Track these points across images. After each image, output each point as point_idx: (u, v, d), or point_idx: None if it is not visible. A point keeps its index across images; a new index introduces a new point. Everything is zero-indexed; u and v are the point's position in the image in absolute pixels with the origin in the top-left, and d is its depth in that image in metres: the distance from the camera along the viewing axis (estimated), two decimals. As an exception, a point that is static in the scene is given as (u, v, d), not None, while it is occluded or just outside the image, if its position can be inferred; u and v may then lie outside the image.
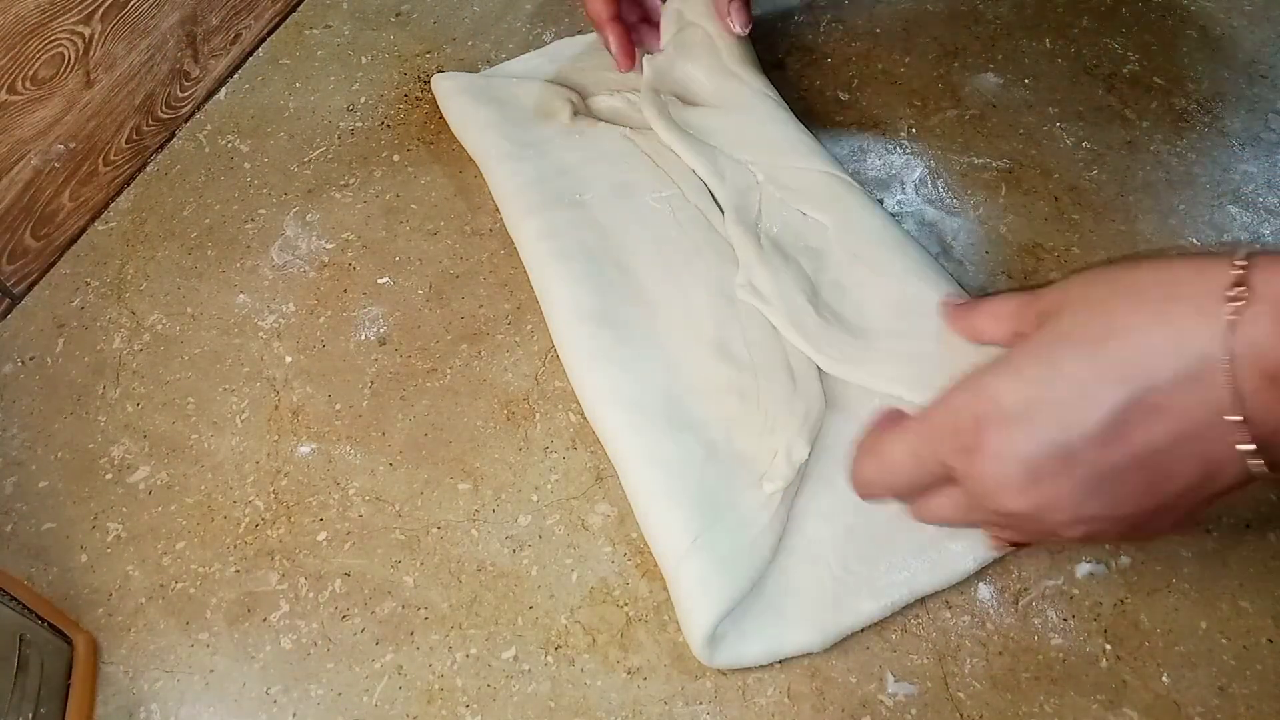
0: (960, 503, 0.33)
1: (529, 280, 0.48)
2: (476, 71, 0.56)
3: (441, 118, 0.54)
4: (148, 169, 0.53)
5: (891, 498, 0.35)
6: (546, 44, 0.57)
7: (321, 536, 0.41)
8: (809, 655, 0.38)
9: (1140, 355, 0.28)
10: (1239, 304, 0.27)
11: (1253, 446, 0.27)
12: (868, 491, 0.35)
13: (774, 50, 0.55)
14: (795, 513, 0.39)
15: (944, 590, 0.38)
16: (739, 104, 0.50)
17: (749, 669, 0.37)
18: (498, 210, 0.50)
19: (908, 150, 0.52)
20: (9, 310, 0.49)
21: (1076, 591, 0.39)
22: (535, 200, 0.47)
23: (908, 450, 0.33)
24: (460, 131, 0.52)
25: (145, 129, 0.53)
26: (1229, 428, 0.27)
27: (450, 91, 0.53)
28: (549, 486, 0.42)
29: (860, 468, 0.35)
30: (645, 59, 0.52)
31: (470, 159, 0.52)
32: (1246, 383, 0.27)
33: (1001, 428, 0.30)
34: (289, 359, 0.46)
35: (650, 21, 0.54)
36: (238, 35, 0.57)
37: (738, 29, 0.51)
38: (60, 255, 0.50)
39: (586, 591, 0.40)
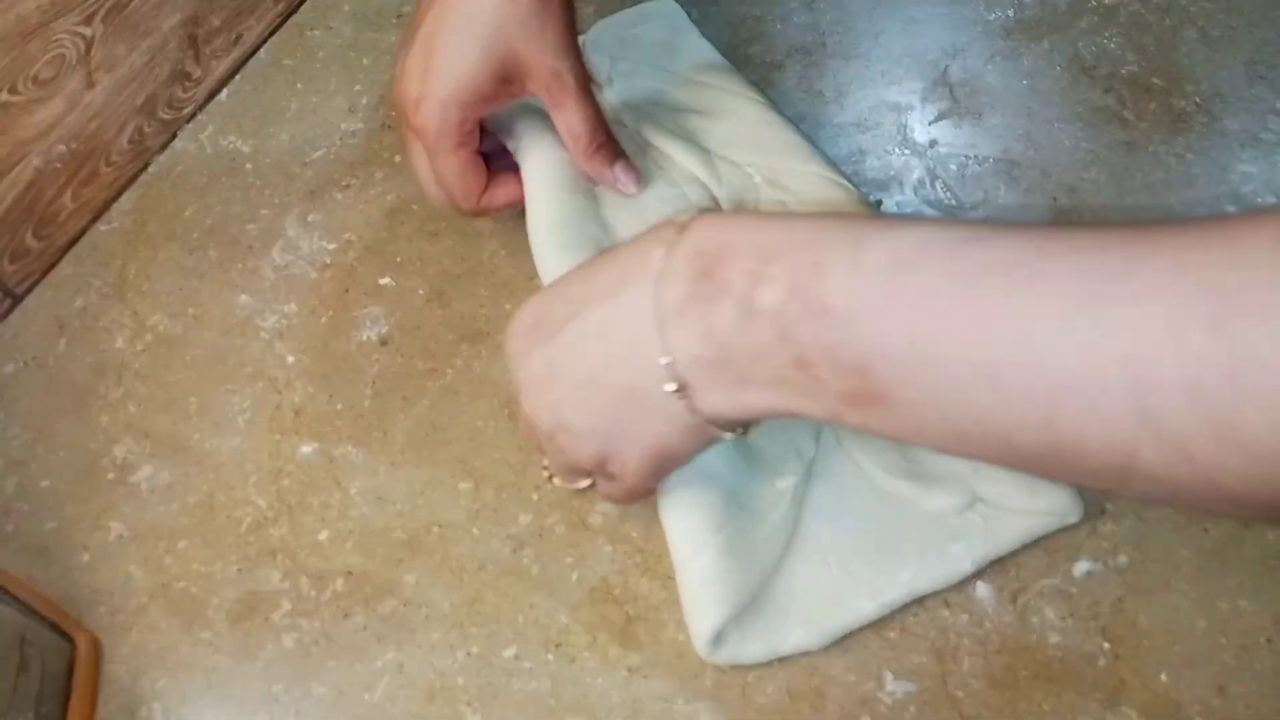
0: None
1: (532, 281, 0.48)
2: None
3: (442, 118, 0.54)
4: (149, 170, 0.53)
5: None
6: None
7: (323, 535, 0.41)
8: (808, 654, 0.38)
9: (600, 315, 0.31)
10: (665, 260, 0.29)
11: (674, 386, 0.29)
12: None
13: (773, 51, 0.56)
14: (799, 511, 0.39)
15: (942, 589, 0.38)
16: (724, 108, 0.50)
17: (749, 668, 0.38)
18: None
19: (906, 151, 0.52)
20: (11, 310, 0.49)
21: (1075, 590, 0.39)
22: (552, 183, 0.45)
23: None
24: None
25: (147, 130, 0.53)
26: (661, 372, 0.30)
27: None
28: (549, 486, 0.42)
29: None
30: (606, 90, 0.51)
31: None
32: (669, 331, 0.29)
33: (514, 337, 0.34)
34: (291, 359, 0.46)
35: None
36: (239, 36, 0.57)
37: (631, 189, 0.45)
38: (62, 256, 0.50)
39: (587, 590, 0.40)
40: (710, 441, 0.32)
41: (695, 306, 0.28)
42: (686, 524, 0.37)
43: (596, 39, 0.54)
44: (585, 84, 0.42)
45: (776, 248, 0.28)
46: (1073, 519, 0.39)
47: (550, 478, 0.41)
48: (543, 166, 0.45)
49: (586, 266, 0.33)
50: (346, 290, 0.48)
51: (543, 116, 0.45)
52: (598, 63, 0.52)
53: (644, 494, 0.36)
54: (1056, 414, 0.24)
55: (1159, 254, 0.23)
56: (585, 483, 0.38)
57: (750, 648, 0.37)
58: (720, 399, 0.29)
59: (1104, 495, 0.39)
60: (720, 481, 0.38)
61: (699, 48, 0.53)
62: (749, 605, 0.37)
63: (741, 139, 0.49)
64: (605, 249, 0.37)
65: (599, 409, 0.32)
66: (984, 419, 0.26)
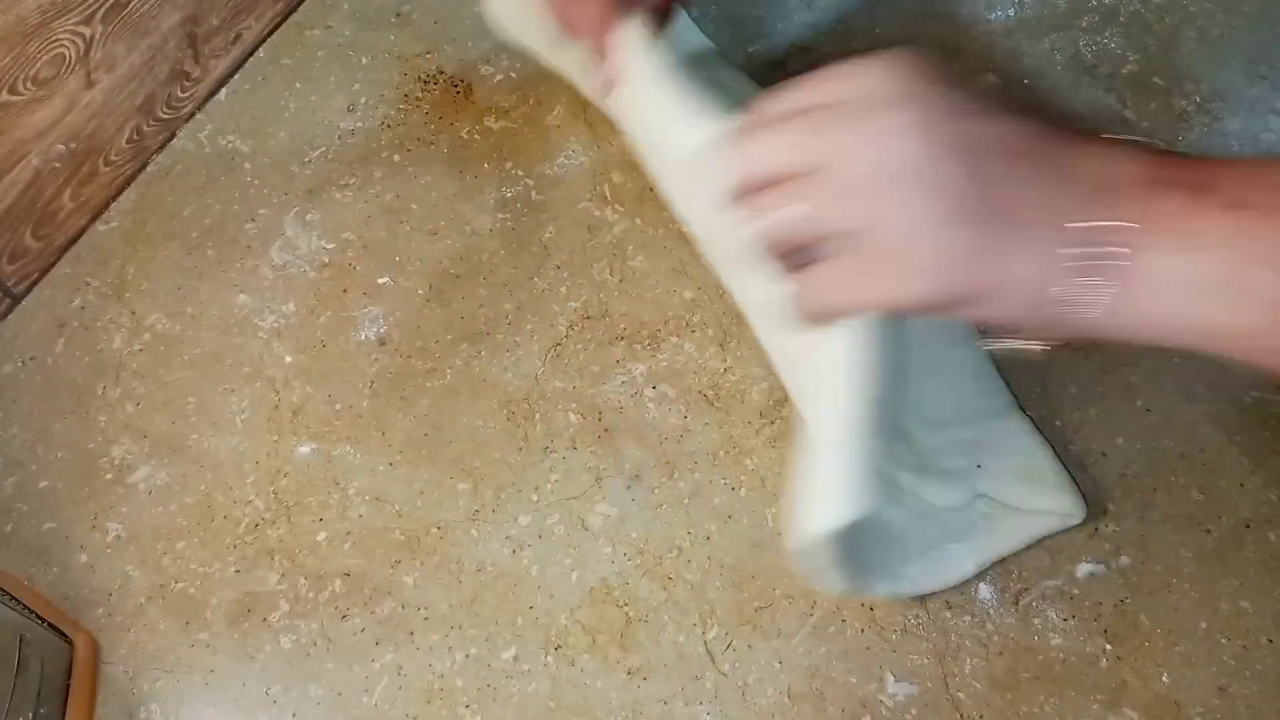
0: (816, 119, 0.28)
1: (531, 281, 0.48)
2: (478, 71, 0.56)
3: (441, 116, 0.54)
4: (148, 169, 0.53)
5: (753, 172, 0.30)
6: (547, 44, 0.57)
7: (321, 536, 0.41)
8: (810, 655, 0.38)
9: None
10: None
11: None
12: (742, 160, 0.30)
13: (774, 50, 0.55)
14: None
15: (943, 590, 0.38)
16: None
17: (750, 668, 0.37)
18: (498, 210, 0.50)
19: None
20: (9, 310, 0.49)
21: (1076, 591, 0.39)
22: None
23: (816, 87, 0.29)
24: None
25: (146, 129, 0.53)
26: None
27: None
28: (549, 486, 0.42)
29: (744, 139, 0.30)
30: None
31: (469, 158, 0.52)
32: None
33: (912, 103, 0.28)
34: (289, 359, 0.46)
35: None
36: (238, 35, 0.57)
37: None
38: (61, 255, 0.50)
39: (586, 591, 0.40)
40: (1048, 317, 0.28)
41: (1176, 193, 0.27)
42: (840, 405, 0.34)
43: None
44: None
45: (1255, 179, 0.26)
46: (1075, 520, 0.39)
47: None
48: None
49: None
50: (345, 290, 0.48)
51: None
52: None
53: (923, 293, 0.28)
54: None
55: None
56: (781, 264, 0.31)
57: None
58: (1150, 294, 0.27)
59: (1104, 495, 0.39)
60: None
61: (699, 44, 0.53)
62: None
63: None
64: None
65: (979, 190, 0.27)
66: None
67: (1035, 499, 0.38)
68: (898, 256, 0.28)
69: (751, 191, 0.30)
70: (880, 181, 0.28)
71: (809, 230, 0.29)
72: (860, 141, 0.28)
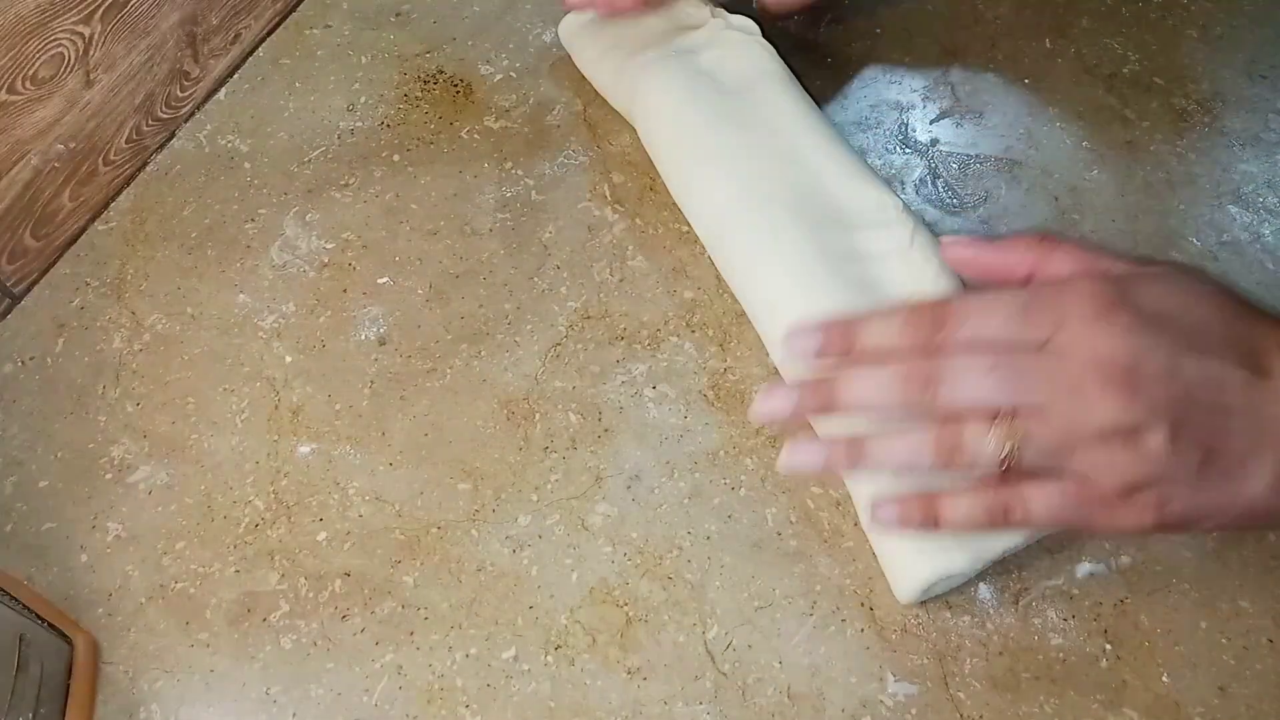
0: (1039, 367, 0.30)
1: (531, 281, 0.48)
2: (478, 71, 0.56)
3: (441, 116, 0.54)
4: (148, 169, 0.53)
5: (957, 349, 0.31)
6: (547, 43, 0.57)
7: (321, 536, 0.41)
8: (810, 655, 0.38)
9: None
10: None
11: None
12: (929, 316, 0.32)
13: (775, 45, 0.55)
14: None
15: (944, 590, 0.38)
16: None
17: (749, 669, 0.37)
18: (498, 210, 0.50)
19: (908, 150, 0.52)
20: (9, 310, 0.49)
21: (1076, 591, 0.39)
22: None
23: (1019, 300, 0.31)
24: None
25: (145, 129, 0.53)
26: None
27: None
28: (549, 486, 0.42)
29: (943, 304, 0.32)
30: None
31: (469, 158, 0.52)
32: None
33: (1135, 311, 0.29)
34: (289, 359, 0.46)
35: None
36: (238, 35, 0.57)
37: None
38: (60, 255, 0.50)
39: (586, 591, 0.40)
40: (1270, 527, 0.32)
41: None
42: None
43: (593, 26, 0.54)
44: None
45: None
46: (1052, 529, 0.39)
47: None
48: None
49: (1222, 318, 0.30)
50: (345, 290, 0.48)
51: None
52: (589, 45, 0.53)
53: (1143, 530, 0.31)
54: None
55: None
56: (918, 520, 0.33)
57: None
58: None
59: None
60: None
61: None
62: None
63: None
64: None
65: (1203, 444, 0.29)
66: None
67: None
68: (1129, 498, 0.30)
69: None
70: (1096, 438, 0.29)
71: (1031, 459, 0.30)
72: (1073, 401, 0.30)
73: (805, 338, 0.34)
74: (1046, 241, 0.33)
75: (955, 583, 0.38)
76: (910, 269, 0.42)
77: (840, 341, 0.34)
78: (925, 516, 0.33)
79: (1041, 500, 0.31)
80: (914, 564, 0.37)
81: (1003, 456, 0.30)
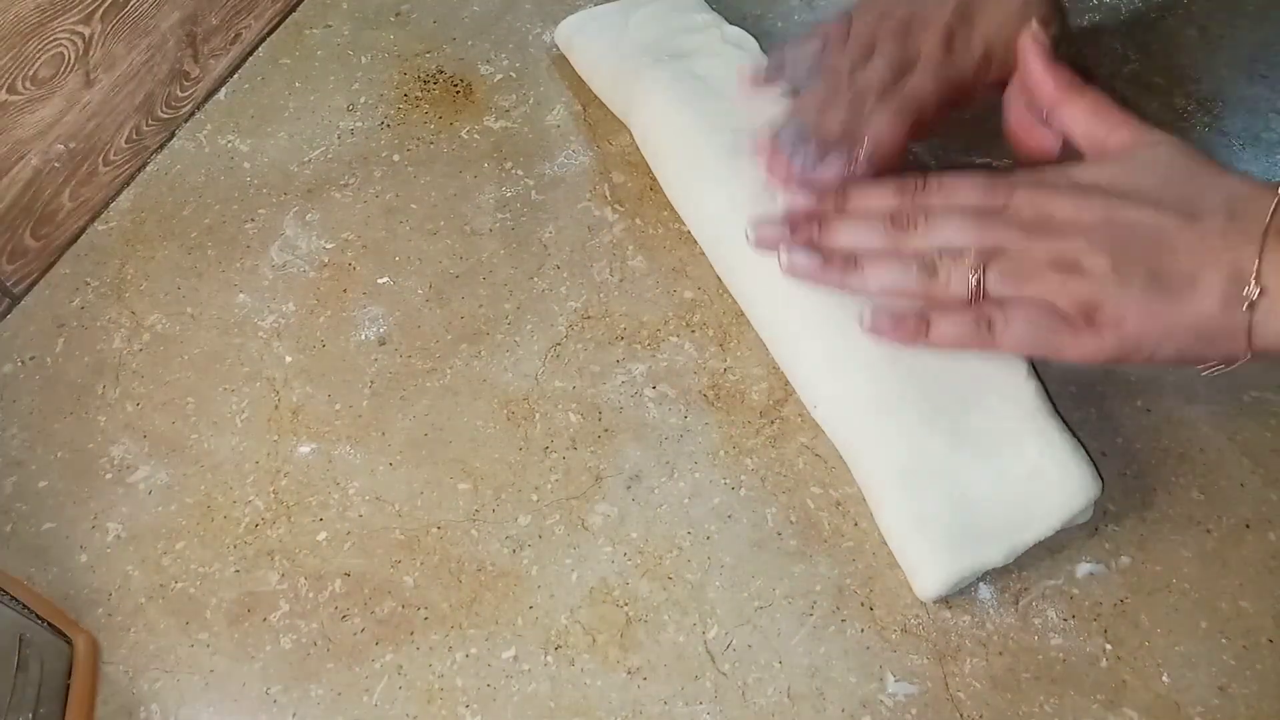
0: (997, 219, 0.38)
1: (531, 281, 0.48)
2: (478, 71, 0.56)
3: (441, 116, 0.54)
4: (147, 169, 0.53)
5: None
6: (547, 43, 0.57)
7: (321, 536, 0.41)
8: (810, 655, 0.38)
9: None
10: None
11: (1256, 292, 0.33)
12: (912, 185, 0.40)
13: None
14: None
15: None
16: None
17: (749, 669, 0.37)
18: (498, 210, 0.50)
19: (909, 150, 0.51)
20: (9, 310, 0.49)
21: (1076, 591, 0.39)
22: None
23: (980, 178, 0.39)
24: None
25: (145, 129, 0.53)
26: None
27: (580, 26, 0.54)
28: (549, 486, 0.42)
29: (923, 177, 0.40)
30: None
31: (470, 158, 0.52)
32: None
33: (1072, 182, 0.37)
34: (289, 359, 0.46)
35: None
36: (238, 35, 0.57)
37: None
38: (60, 255, 0.50)
39: (586, 591, 0.40)
40: (1212, 355, 0.35)
41: None
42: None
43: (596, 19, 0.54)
44: None
45: None
46: (1082, 519, 0.39)
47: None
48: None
49: (1164, 180, 0.36)
50: (345, 290, 0.48)
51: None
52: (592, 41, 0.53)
53: (1103, 351, 0.36)
54: None
55: None
56: (911, 327, 0.38)
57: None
58: None
59: (1104, 496, 0.39)
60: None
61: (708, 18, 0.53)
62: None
63: None
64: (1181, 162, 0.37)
65: (1145, 268, 0.35)
66: None
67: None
68: (1088, 316, 0.35)
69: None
70: (1048, 267, 0.36)
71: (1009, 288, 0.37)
72: (1026, 242, 0.37)
73: (803, 198, 0.41)
74: (1077, 88, 0.40)
75: (973, 579, 0.38)
76: None
77: (835, 200, 0.41)
78: (917, 326, 0.38)
79: (1019, 317, 0.36)
80: (943, 559, 0.37)
81: (972, 283, 0.37)
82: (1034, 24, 0.42)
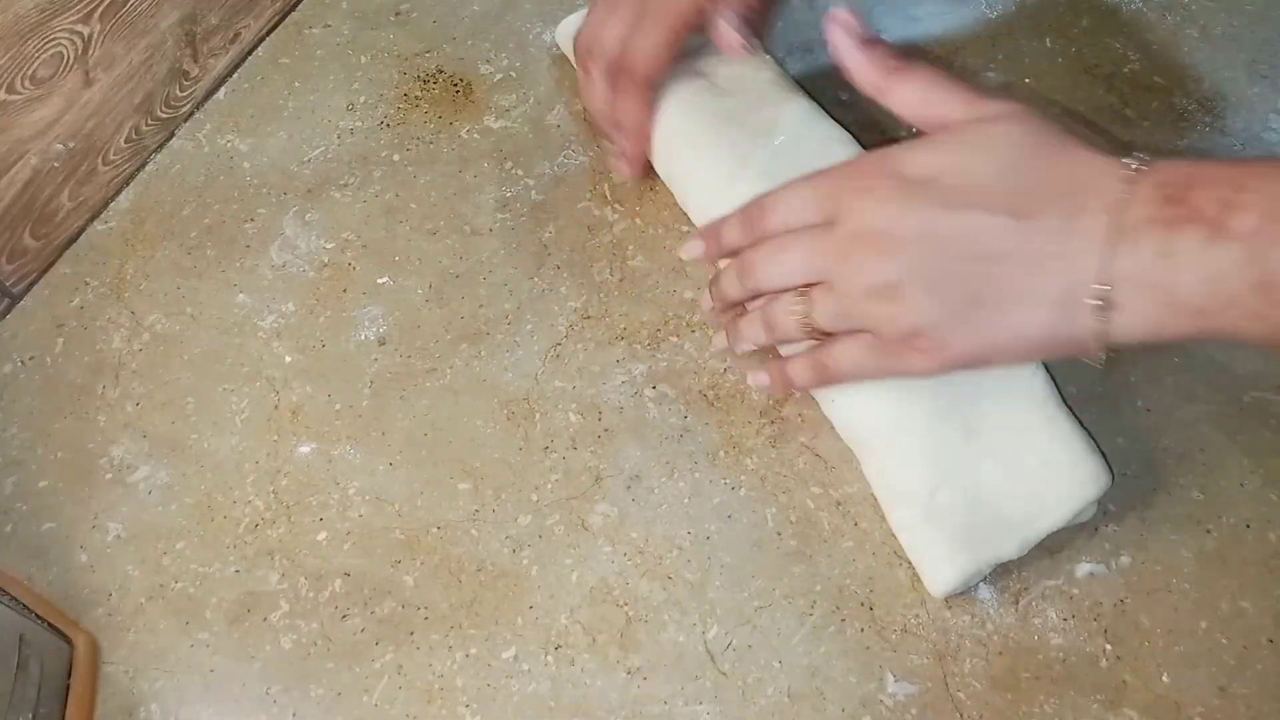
0: (818, 245, 0.36)
1: (531, 281, 0.48)
2: (478, 71, 0.56)
3: (441, 116, 0.54)
4: (147, 168, 0.53)
5: (766, 231, 0.38)
6: (547, 43, 0.57)
7: (321, 536, 0.41)
8: (810, 655, 0.38)
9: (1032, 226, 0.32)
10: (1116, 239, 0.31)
11: (1099, 302, 0.31)
12: (751, 215, 0.39)
13: (774, 49, 0.55)
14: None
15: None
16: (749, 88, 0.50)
17: (749, 669, 0.38)
18: (498, 210, 0.50)
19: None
20: (8, 310, 0.49)
21: (1076, 591, 0.39)
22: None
23: (808, 189, 0.37)
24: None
25: (144, 128, 0.53)
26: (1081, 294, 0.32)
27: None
28: (549, 486, 0.42)
29: (760, 201, 0.38)
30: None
31: (469, 158, 0.52)
32: (1119, 250, 0.31)
33: (898, 180, 0.34)
34: (288, 359, 0.46)
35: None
36: (237, 34, 0.57)
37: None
38: (59, 255, 0.50)
39: (586, 591, 0.40)
40: (1061, 356, 0.34)
41: (1156, 229, 0.30)
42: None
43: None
44: None
45: (1247, 179, 0.30)
46: (1084, 517, 0.39)
47: (722, 315, 0.42)
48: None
49: (1001, 166, 0.33)
50: (344, 290, 0.48)
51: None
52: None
53: (933, 371, 0.35)
54: None
55: None
56: (750, 347, 0.40)
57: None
58: (1140, 320, 0.31)
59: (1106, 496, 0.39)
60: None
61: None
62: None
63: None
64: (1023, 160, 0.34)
65: (964, 290, 0.33)
66: None
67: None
68: (911, 344, 0.34)
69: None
70: (869, 297, 0.35)
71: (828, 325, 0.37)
72: (846, 268, 0.35)
73: (695, 247, 0.42)
74: (899, 70, 0.37)
75: (986, 572, 0.38)
76: None
77: (714, 246, 0.41)
78: (784, 382, 0.40)
79: (846, 353, 0.37)
80: (957, 554, 0.37)
81: (803, 323, 0.37)
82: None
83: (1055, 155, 0.33)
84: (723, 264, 0.42)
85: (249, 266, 0.49)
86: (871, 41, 0.38)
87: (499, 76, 0.56)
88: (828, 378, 0.38)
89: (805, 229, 0.37)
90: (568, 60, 0.55)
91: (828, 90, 0.54)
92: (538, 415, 0.44)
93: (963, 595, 0.39)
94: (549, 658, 0.38)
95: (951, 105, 0.35)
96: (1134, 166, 0.31)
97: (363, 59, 0.57)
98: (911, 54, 0.37)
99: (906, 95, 0.37)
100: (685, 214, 0.49)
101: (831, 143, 0.46)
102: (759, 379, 0.41)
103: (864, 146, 0.47)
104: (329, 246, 0.50)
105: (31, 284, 0.49)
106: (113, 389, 0.46)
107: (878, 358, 0.36)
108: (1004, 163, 0.33)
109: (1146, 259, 0.30)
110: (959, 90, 0.36)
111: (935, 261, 0.33)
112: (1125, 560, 0.39)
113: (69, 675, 0.38)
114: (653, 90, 0.47)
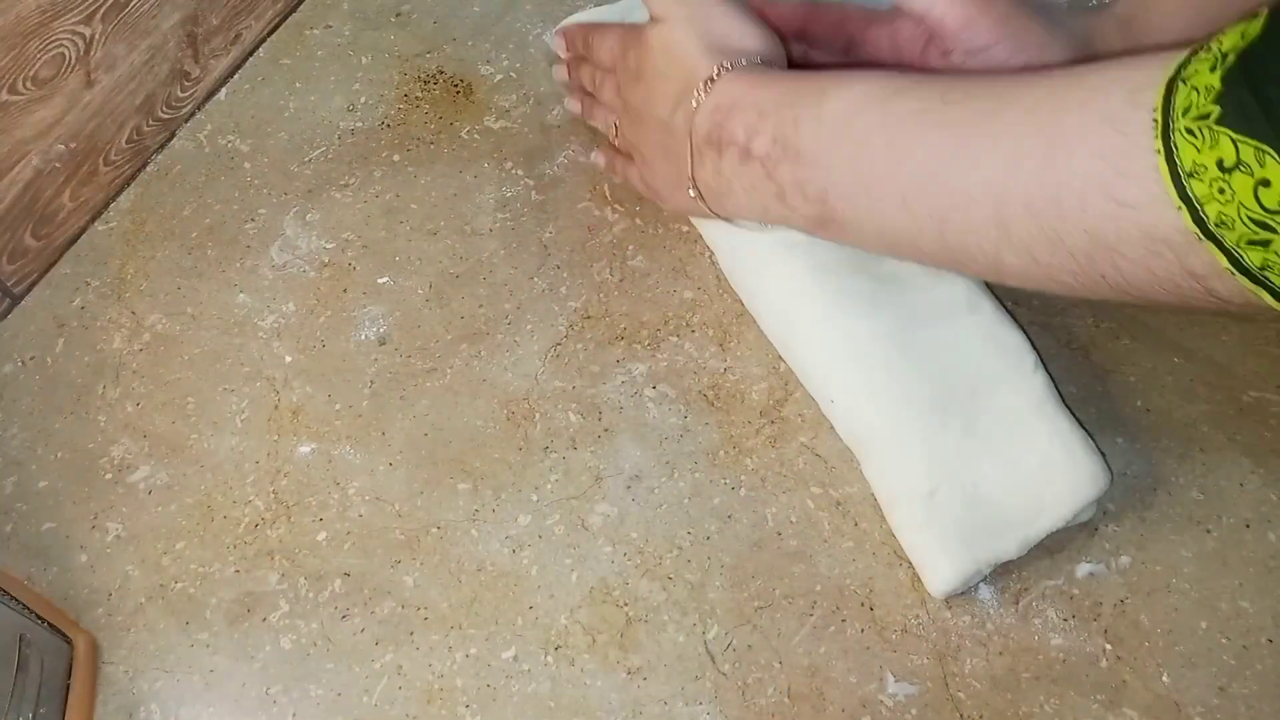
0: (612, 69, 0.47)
1: (531, 281, 0.48)
2: (478, 71, 0.56)
3: (441, 116, 0.54)
4: (148, 169, 0.53)
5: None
6: (547, 43, 0.57)
7: (321, 536, 0.41)
8: (810, 655, 0.38)
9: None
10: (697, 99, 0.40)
11: (694, 192, 0.41)
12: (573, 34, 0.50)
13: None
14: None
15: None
16: None
17: (749, 669, 0.37)
18: (498, 210, 0.50)
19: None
20: (9, 310, 0.49)
21: (1076, 591, 0.39)
22: None
23: (612, 36, 0.47)
24: None
25: (145, 129, 0.53)
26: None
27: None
28: (549, 486, 0.42)
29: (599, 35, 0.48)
30: None
31: (469, 158, 0.52)
32: (697, 160, 0.40)
33: (629, 52, 0.44)
34: (289, 359, 0.46)
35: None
36: (238, 35, 0.57)
37: None
38: (60, 255, 0.50)
39: (586, 591, 0.40)
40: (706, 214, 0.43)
41: (710, 152, 0.39)
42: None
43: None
44: None
45: (768, 104, 0.37)
46: (1084, 517, 0.39)
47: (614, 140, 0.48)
48: None
49: (650, 59, 0.42)
50: (345, 290, 0.48)
51: None
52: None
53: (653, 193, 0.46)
54: (946, 228, 0.32)
55: (1020, 100, 0.30)
56: (602, 160, 0.50)
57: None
58: (728, 209, 0.41)
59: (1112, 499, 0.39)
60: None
61: None
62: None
63: None
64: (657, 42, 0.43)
65: (647, 149, 0.45)
66: (901, 233, 0.34)
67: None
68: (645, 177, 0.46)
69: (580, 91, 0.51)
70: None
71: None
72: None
73: (561, 41, 0.52)
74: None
75: (986, 572, 0.38)
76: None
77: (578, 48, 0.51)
78: (610, 161, 0.49)
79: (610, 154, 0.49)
80: (957, 554, 0.37)
81: (613, 130, 0.48)
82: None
83: (677, 64, 0.41)
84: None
85: (249, 266, 0.49)
86: None
87: (499, 77, 0.56)
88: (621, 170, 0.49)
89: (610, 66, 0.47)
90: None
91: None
92: (538, 415, 0.44)
93: (963, 595, 0.39)
94: (549, 658, 0.38)
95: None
96: (713, 76, 0.39)
97: (363, 60, 0.57)
98: None
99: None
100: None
101: None
102: (596, 156, 0.50)
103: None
104: (329, 246, 0.50)
105: (32, 284, 0.49)
106: (113, 389, 0.46)
107: (624, 162, 0.47)
108: (664, 59, 0.42)
109: (709, 172, 0.40)
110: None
111: (630, 117, 0.45)
112: (1125, 560, 0.39)
113: (69, 675, 0.38)
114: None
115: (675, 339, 0.46)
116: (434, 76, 0.56)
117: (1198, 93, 0.25)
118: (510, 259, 0.49)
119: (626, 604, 0.39)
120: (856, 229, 0.36)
